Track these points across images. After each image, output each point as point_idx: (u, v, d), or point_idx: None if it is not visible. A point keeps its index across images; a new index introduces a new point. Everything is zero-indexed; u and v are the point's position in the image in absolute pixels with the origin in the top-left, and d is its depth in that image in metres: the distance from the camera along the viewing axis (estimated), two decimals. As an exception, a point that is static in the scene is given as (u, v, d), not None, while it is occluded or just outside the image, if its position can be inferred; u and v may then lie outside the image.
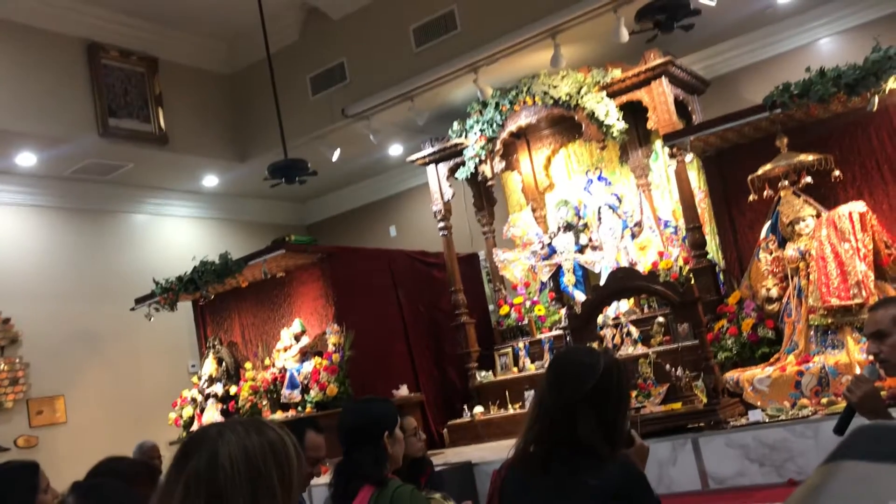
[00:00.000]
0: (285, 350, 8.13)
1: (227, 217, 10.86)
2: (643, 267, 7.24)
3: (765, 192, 6.08)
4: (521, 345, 7.96)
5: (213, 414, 8.24)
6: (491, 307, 8.93)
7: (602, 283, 6.44)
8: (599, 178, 8.18)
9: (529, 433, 2.17)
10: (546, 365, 7.47)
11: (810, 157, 5.89)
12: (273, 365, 8.20)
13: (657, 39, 6.09)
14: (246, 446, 1.39)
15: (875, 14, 7.53)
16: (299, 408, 7.65)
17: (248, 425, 1.44)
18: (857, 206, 5.72)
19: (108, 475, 2.45)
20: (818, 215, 5.92)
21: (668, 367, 5.88)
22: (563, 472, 2.10)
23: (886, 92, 5.45)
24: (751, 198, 6.10)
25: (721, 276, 6.91)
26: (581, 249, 7.99)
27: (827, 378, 5.39)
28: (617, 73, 7.28)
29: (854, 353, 5.41)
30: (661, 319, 7.02)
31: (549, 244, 8.14)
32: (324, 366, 7.60)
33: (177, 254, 9.22)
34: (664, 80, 7.08)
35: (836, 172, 5.85)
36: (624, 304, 7.41)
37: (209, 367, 8.69)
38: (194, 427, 8.41)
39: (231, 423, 1.46)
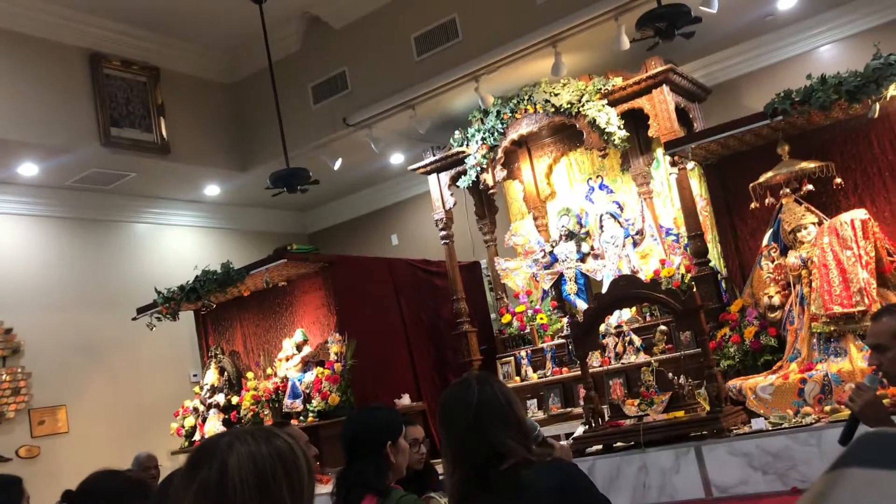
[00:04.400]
0: (287, 359, 8.13)
1: (228, 226, 10.87)
2: (645, 275, 7.24)
3: (766, 200, 6.07)
4: (523, 353, 7.95)
5: (214, 424, 8.22)
6: (493, 315, 8.93)
7: (604, 291, 6.43)
8: (601, 187, 8.18)
9: (456, 474, 2.23)
10: (546, 375, 7.46)
11: (812, 165, 5.89)
12: (275, 374, 8.19)
13: (658, 47, 6.10)
14: (255, 457, 1.39)
15: (875, 21, 7.55)
16: (301, 417, 7.64)
17: (257, 435, 1.45)
18: (859, 214, 5.72)
19: (98, 493, 2.46)
20: (820, 223, 5.91)
21: (670, 375, 5.87)
22: (501, 486, 2.16)
23: (887, 99, 5.45)
24: (752, 205, 6.09)
25: (723, 284, 6.91)
26: (583, 258, 7.99)
27: (830, 386, 5.38)
28: (618, 81, 7.29)
29: (857, 360, 5.40)
30: (663, 327, 7.00)
31: (551, 252, 8.14)
32: (326, 375, 7.59)
33: (178, 263, 9.23)
34: (665, 87, 7.09)
35: (838, 180, 5.85)
36: (626, 313, 7.39)
37: (211, 376, 8.69)
38: (196, 437, 8.41)
39: (241, 432, 1.47)
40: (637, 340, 7.07)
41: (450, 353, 8.47)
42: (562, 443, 2.46)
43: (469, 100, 8.20)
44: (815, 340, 5.76)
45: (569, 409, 7.15)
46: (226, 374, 8.68)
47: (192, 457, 1.44)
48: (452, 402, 2.31)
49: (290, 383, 7.89)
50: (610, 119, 7.15)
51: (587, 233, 8.05)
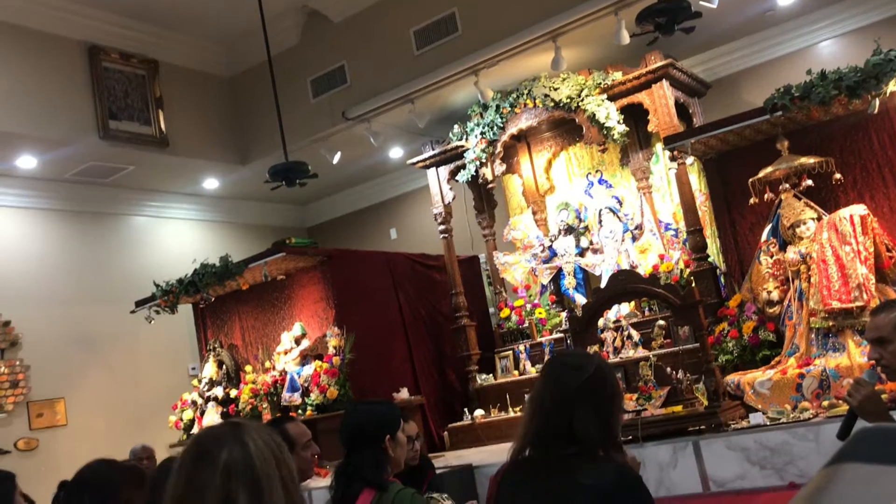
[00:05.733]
0: (286, 353, 8.13)
1: (227, 220, 10.86)
2: (644, 270, 7.24)
3: (765, 195, 6.08)
4: (521, 348, 7.95)
5: (213, 417, 8.23)
6: (491, 310, 8.93)
7: (603, 285, 6.43)
8: (600, 181, 8.18)
9: (527, 429, 2.23)
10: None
11: (811, 160, 5.88)
12: (273, 368, 8.20)
13: (658, 42, 6.09)
14: (265, 439, 1.56)
15: (876, 17, 7.54)
16: (299, 411, 7.64)
17: (252, 424, 1.62)
18: (858, 209, 5.72)
19: (93, 482, 2.50)
20: (819, 218, 5.91)
21: (668, 369, 5.88)
22: (558, 473, 2.14)
23: (887, 94, 5.45)
24: (751, 200, 6.09)
25: (722, 279, 6.91)
26: (582, 252, 7.99)
27: (828, 381, 5.39)
28: (618, 76, 7.28)
29: (855, 355, 5.41)
30: (661, 322, 7.01)
31: (550, 247, 8.14)
32: (324, 369, 7.60)
33: (177, 256, 9.23)
34: (665, 82, 7.08)
35: (837, 175, 5.85)
36: (625, 307, 7.40)
37: (209, 369, 8.69)
38: (194, 430, 8.41)
39: (238, 422, 1.62)
40: (635, 335, 7.07)
41: (448, 347, 8.48)
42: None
43: (468, 94, 8.19)
44: (813, 336, 5.77)
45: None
46: (224, 367, 8.68)
47: (201, 443, 1.55)
48: (568, 369, 2.28)
49: (288, 377, 7.89)
50: (609, 114, 7.15)
51: (586, 227, 8.05)
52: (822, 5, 7.66)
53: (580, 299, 7.70)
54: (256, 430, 1.57)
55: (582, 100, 7.29)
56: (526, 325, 8.13)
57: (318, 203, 11.65)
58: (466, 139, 8.03)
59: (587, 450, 2.14)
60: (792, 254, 5.98)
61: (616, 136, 7.14)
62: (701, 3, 6.35)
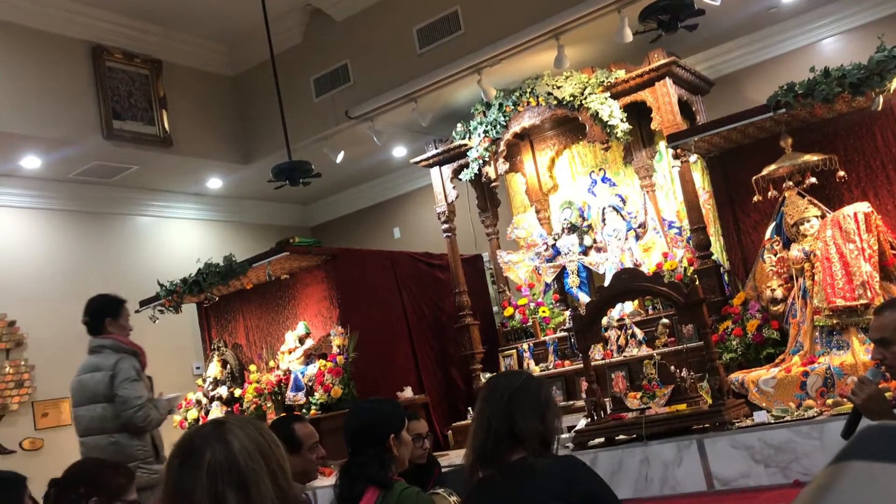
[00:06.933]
0: (290, 352, 8.14)
1: (231, 219, 10.87)
2: (647, 268, 7.24)
3: (769, 193, 6.06)
4: (525, 346, 7.95)
5: (217, 416, 8.24)
6: (495, 308, 8.93)
7: (606, 284, 6.43)
8: (603, 180, 8.18)
9: (473, 440, 2.41)
10: (549, 368, 7.47)
11: (815, 158, 5.87)
12: (277, 367, 8.21)
13: (661, 40, 6.09)
14: (250, 435, 1.55)
15: (879, 13, 7.52)
16: (304, 410, 7.65)
17: (239, 419, 1.63)
18: (862, 207, 5.70)
19: (81, 477, 2.60)
20: (823, 216, 5.90)
21: (672, 368, 5.87)
22: (512, 479, 2.27)
23: (891, 91, 5.44)
24: (755, 198, 6.08)
25: (725, 277, 6.90)
26: (585, 251, 7.99)
27: (832, 379, 5.38)
28: (621, 74, 7.27)
29: (859, 353, 5.40)
30: (665, 321, 7.01)
31: (553, 245, 8.14)
32: (328, 368, 7.61)
33: (181, 256, 9.24)
34: (668, 80, 7.07)
35: (841, 173, 5.83)
36: (628, 306, 7.40)
37: (214, 369, 8.70)
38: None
39: (224, 419, 1.63)
40: (639, 333, 7.07)
41: (452, 345, 8.48)
42: None
43: (471, 93, 8.19)
44: (817, 334, 5.76)
45: (571, 402, 7.17)
46: (228, 366, 8.70)
47: (186, 444, 1.55)
48: (501, 381, 2.54)
49: (292, 376, 7.90)
50: (612, 112, 7.13)
51: (590, 226, 8.05)
52: (826, 2, 7.65)
53: (584, 298, 7.69)
54: (240, 426, 1.56)
55: (585, 98, 7.28)
56: (529, 323, 8.13)
57: (322, 202, 11.66)
58: (469, 138, 8.02)
59: (531, 451, 2.30)
60: (796, 252, 5.97)
61: (619, 135, 7.12)
62: (704, 0, 6.34)
